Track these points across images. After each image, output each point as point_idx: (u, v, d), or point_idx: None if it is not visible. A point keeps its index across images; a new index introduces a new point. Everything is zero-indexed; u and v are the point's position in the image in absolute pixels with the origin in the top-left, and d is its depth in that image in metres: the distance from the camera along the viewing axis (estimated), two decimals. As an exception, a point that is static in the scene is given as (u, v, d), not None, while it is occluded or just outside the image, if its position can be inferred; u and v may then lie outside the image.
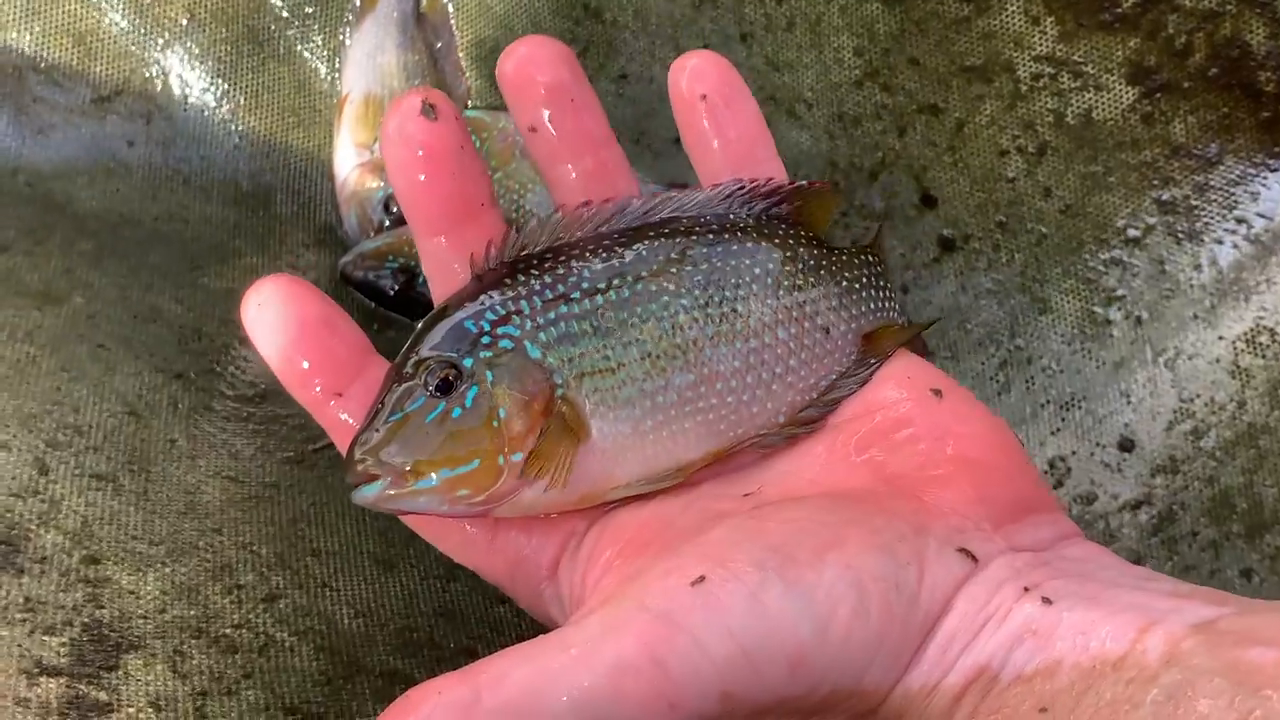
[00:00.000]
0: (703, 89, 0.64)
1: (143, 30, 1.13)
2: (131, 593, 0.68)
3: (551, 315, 0.57)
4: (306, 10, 1.17)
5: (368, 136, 1.15)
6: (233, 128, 1.15)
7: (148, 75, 1.13)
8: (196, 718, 0.62)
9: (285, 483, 0.83)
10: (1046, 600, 0.50)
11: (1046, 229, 1.06)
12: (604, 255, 0.59)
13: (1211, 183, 1.01)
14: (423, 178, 0.59)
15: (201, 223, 1.10)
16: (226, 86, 1.15)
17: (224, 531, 0.76)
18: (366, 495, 0.55)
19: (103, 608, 0.66)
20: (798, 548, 0.51)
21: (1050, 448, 1.04)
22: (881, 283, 0.67)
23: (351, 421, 0.59)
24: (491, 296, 0.57)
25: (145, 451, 0.78)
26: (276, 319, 0.57)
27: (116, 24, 1.12)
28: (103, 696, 0.61)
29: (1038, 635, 0.49)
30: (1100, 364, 1.04)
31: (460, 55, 1.17)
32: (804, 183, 0.65)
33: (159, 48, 1.13)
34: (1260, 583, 0.94)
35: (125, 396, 0.81)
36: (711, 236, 0.61)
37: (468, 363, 0.56)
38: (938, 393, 0.59)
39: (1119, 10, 0.99)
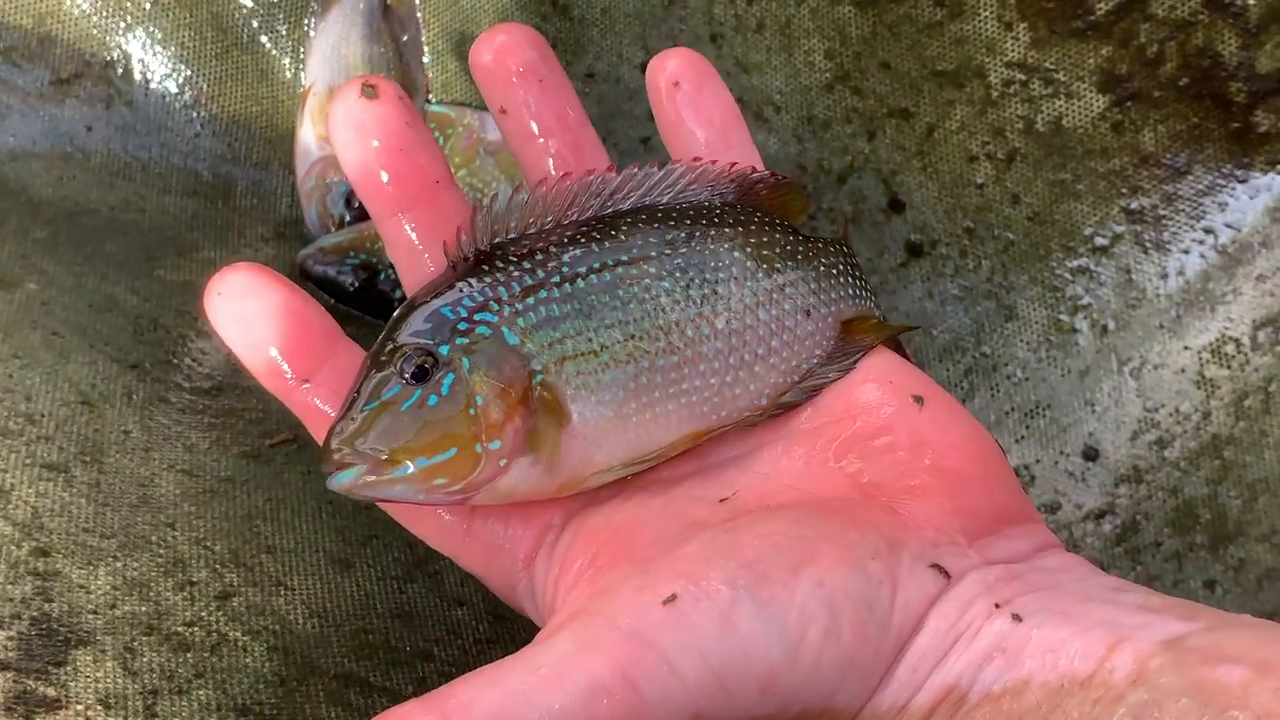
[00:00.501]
0: (676, 77, 0.65)
1: (104, 13, 1.10)
2: (82, 587, 0.66)
3: (531, 300, 0.57)
4: (272, -1, 1.16)
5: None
6: (194, 116, 1.13)
7: (109, 59, 1.11)
8: (147, 716, 0.61)
9: (241, 478, 0.81)
10: (1016, 617, 0.49)
11: (1014, 236, 1.05)
12: (582, 240, 0.59)
13: (1180, 192, 1.01)
14: (371, 156, 0.58)
15: (159, 213, 1.08)
16: (189, 73, 1.13)
17: (177, 526, 0.74)
18: (342, 481, 0.54)
19: (52, 601, 0.64)
20: (771, 565, 0.50)
21: (1014, 456, 1.03)
22: (856, 272, 0.67)
23: (322, 406, 0.58)
24: (469, 284, 0.57)
25: (98, 442, 0.76)
26: (240, 306, 0.57)
27: (78, 5, 1.10)
28: (51, 692, 0.59)
29: (1007, 653, 0.48)
30: (1065, 372, 1.04)
31: (426, 49, 1.16)
32: (770, 173, 0.65)
33: (121, 31, 1.11)
34: (1224, 594, 0.94)
35: (79, 385, 0.79)
36: (689, 221, 0.61)
37: (444, 350, 0.55)
38: (919, 399, 0.59)
39: (1092, 18, 0.98)
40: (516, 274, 0.57)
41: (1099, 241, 1.04)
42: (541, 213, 0.59)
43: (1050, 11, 0.99)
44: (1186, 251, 1.01)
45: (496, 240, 0.58)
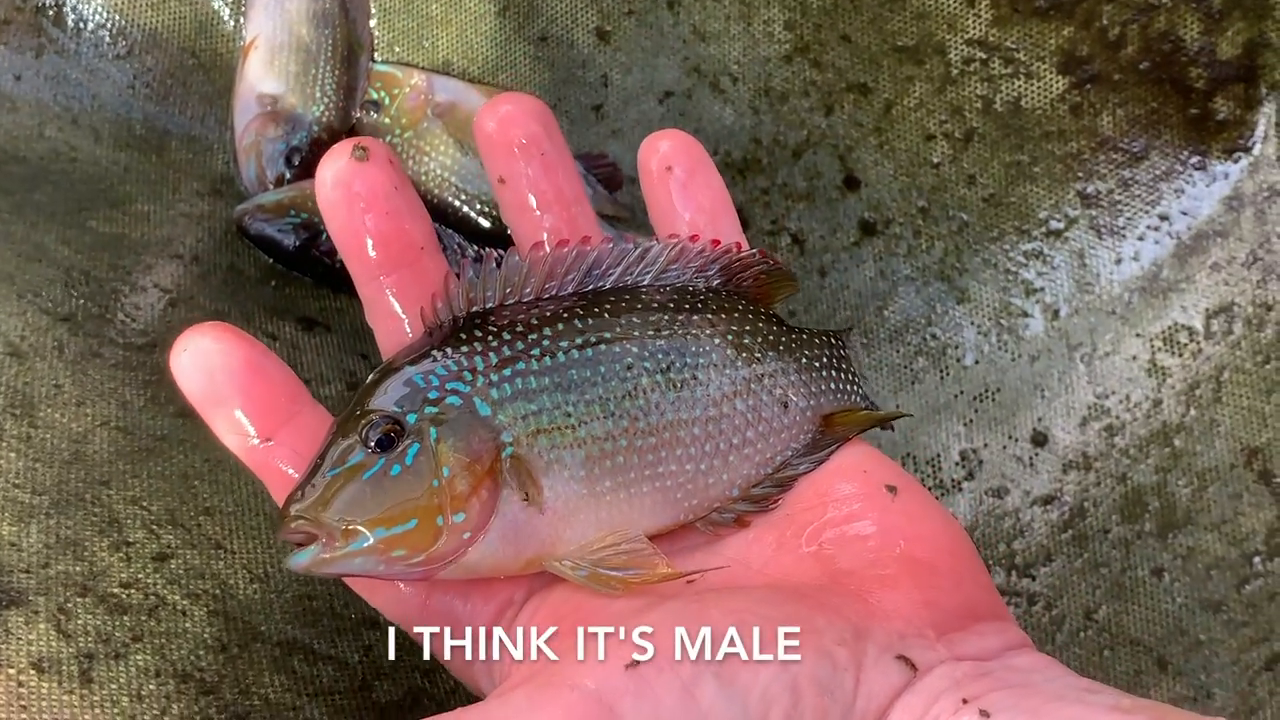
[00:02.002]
0: (669, 162, 0.64)
1: (36, -43, 1.06)
2: (12, 544, 0.63)
3: (507, 372, 0.56)
4: (213, -52, 1.12)
5: (271, 85, 1.09)
6: (128, 67, 1.09)
7: (39, 5, 1.07)
8: (82, 681, 0.58)
9: (177, 436, 0.78)
10: (984, 714, 0.48)
11: (968, 217, 1.05)
12: (565, 315, 0.58)
13: (1136, 178, 1.01)
14: (358, 219, 0.58)
15: (91, 164, 1.04)
16: (123, 23, 1.09)
17: (112, 484, 0.71)
18: (300, 562, 0.52)
19: (-20, 559, 0.61)
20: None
21: (962, 440, 1.02)
22: (844, 365, 0.66)
23: (283, 467, 0.56)
24: (444, 352, 0.56)
25: (29, 395, 0.73)
26: (204, 365, 0.55)
27: (8, -51, 1.05)
28: (-20, 654, 0.56)
29: None
30: (1016, 357, 1.03)
31: (371, 4, 1.13)
32: (758, 253, 0.64)
33: (53, -23, 1.07)
34: (1172, 581, 0.93)
35: (7, 336, 0.76)
36: (673, 305, 0.60)
37: (412, 419, 0.54)
38: (892, 489, 0.58)
39: (1055, -3, 0.98)
40: (495, 344, 0.56)
41: (1054, 225, 1.03)
42: (519, 283, 0.58)
43: (1013, -10, 0.99)
44: (1141, 238, 1.01)
45: (475, 309, 0.58)
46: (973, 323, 1.05)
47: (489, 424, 0.54)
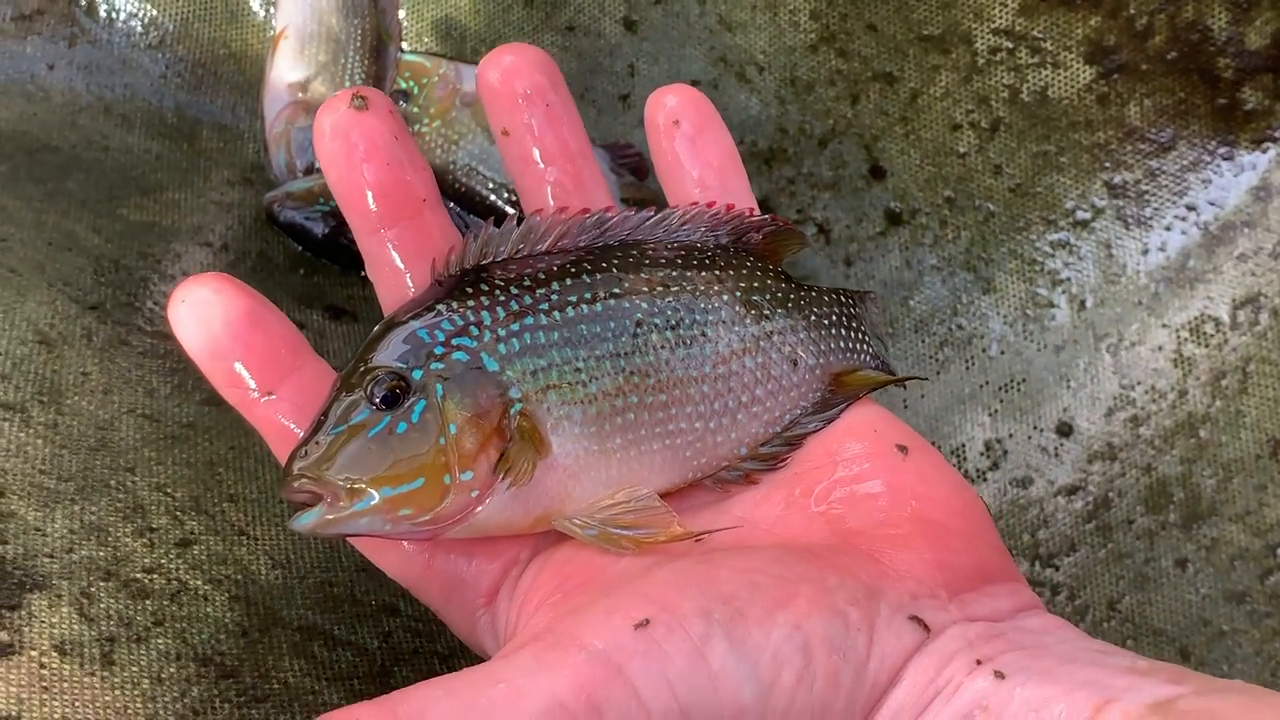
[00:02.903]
0: (676, 116, 0.63)
1: (69, -52, 1.08)
2: (38, 529, 0.64)
3: (515, 326, 0.55)
4: (243, -61, 1.13)
5: (301, 74, 1.10)
6: (160, 56, 1.10)
7: (73, -5, 1.08)
8: (104, 664, 0.59)
9: (203, 424, 0.79)
10: (999, 674, 0.48)
11: (995, 207, 1.04)
12: (573, 270, 0.57)
13: (1164, 168, 1.00)
14: (357, 170, 0.57)
15: (122, 153, 1.05)
16: (155, 13, 1.10)
17: (137, 471, 0.72)
18: (305, 523, 0.52)
19: (6, 543, 0.62)
20: (748, 602, 0.48)
21: (988, 429, 1.02)
22: (855, 324, 0.65)
23: (285, 421, 0.56)
24: (450, 305, 0.55)
25: (56, 383, 0.74)
26: (203, 316, 0.54)
27: (42, -60, 1.07)
28: (4, 637, 0.57)
29: (988, 711, 0.47)
30: (1042, 347, 1.03)
31: (402, -5, 1.14)
32: (769, 216, 0.63)
33: (86, -33, 1.08)
34: (1195, 573, 0.93)
35: (37, 324, 0.77)
36: (680, 261, 0.60)
37: (417, 375, 0.53)
38: (903, 449, 0.58)
39: (1082, -13, 0.98)
40: (502, 298, 0.55)
41: (1080, 215, 1.03)
42: (534, 241, 0.57)
43: (1040, -21, 0.99)
44: (1168, 228, 1.01)
45: (484, 261, 0.57)
46: (999, 313, 1.05)
47: (497, 380, 0.54)
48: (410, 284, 0.58)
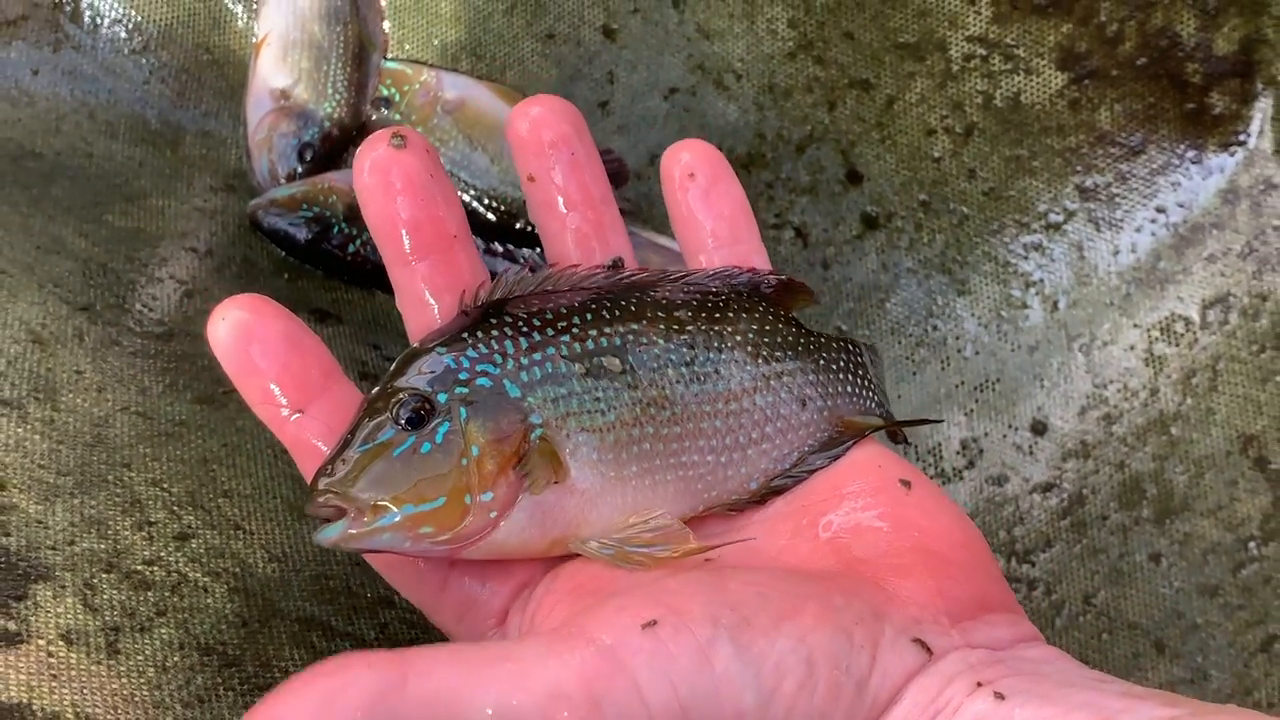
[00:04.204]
0: (691, 170, 0.66)
1: (53, -45, 1.08)
2: (39, 522, 0.65)
3: (538, 356, 0.57)
4: (226, -53, 1.14)
5: (284, 81, 1.11)
6: (143, 62, 1.11)
7: (57, 1, 1.09)
8: (109, 653, 0.60)
9: (195, 422, 0.79)
10: (999, 695, 0.49)
11: (969, 210, 1.06)
12: (593, 307, 0.59)
13: (1134, 171, 1.02)
14: (392, 204, 0.59)
15: (106, 159, 1.06)
16: (138, 19, 1.11)
17: (133, 467, 0.72)
18: (329, 536, 0.53)
19: (9, 535, 0.63)
20: (755, 611, 0.50)
21: (963, 429, 1.04)
22: (861, 372, 0.67)
23: (313, 440, 0.57)
24: (475, 335, 0.57)
25: (51, 381, 0.75)
26: (240, 336, 0.56)
27: (25, -53, 1.08)
28: (12, 626, 0.58)
29: None
30: (1016, 347, 1.05)
31: (384, 3, 1.15)
32: (786, 276, 0.66)
33: (69, -25, 1.09)
34: (1169, 567, 0.95)
35: (29, 324, 0.77)
36: (696, 303, 0.62)
37: (442, 398, 0.55)
38: (906, 484, 0.60)
39: (1053, -6, 1.00)
40: (525, 330, 0.57)
41: (1053, 218, 1.05)
42: (556, 284, 0.60)
43: (1013, -13, 1.01)
44: (1139, 230, 1.03)
45: (509, 296, 0.59)
46: (973, 314, 1.07)
47: (518, 405, 0.56)
48: (437, 315, 0.60)
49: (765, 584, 0.52)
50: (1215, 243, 1.00)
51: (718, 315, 0.62)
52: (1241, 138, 1.00)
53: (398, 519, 0.53)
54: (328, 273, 1.07)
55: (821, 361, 0.65)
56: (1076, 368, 1.03)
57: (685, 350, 0.60)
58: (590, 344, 0.58)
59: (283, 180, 1.09)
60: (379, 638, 0.72)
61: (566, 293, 0.60)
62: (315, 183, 1.07)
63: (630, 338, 0.59)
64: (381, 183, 0.58)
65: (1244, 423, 0.96)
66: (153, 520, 0.69)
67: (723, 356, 0.61)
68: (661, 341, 0.60)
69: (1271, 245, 0.98)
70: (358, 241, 1.06)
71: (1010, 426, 1.04)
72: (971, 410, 1.05)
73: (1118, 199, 1.03)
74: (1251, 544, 0.94)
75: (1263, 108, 0.99)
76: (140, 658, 0.61)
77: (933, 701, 0.49)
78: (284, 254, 1.06)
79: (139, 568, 0.66)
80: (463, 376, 0.55)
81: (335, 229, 1.05)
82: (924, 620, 0.53)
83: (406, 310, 0.61)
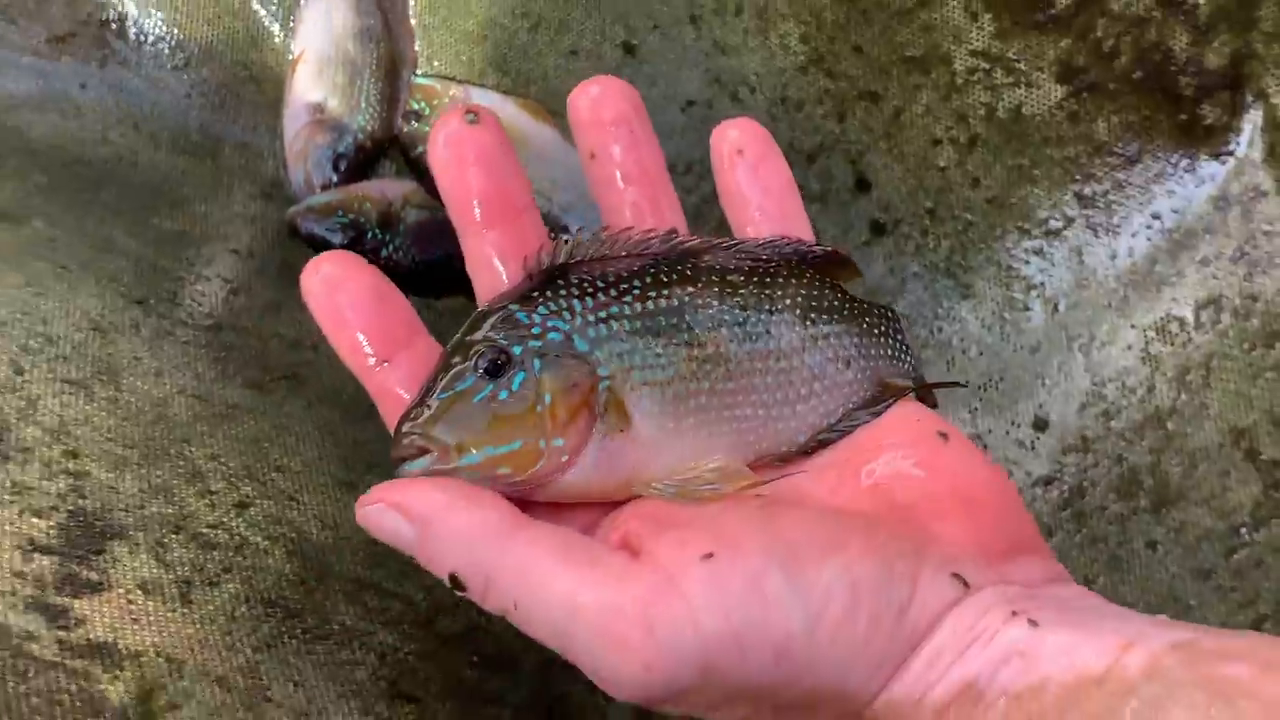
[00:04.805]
0: (740, 146, 0.69)
1: (100, -25, 1.14)
2: (111, 488, 0.69)
3: (603, 314, 0.60)
4: (264, -32, 1.19)
5: (319, 95, 1.17)
6: (184, 78, 1.16)
7: (104, 19, 1.14)
8: (183, 603, 0.64)
9: (246, 405, 0.84)
10: (1033, 623, 0.52)
11: (973, 217, 1.11)
12: (652, 271, 0.63)
13: (1130, 180, 1.07)
14: (466, 176, 0.62)
15: (151, 168, 1.11)
16: (181, 37, 1.16)
17: (192, 442, 0.77)
18: (414, 469, 0.57)
19: (85, 499, 0.67)
20: (804, 544, 0.53)
21: (968, 426, 1.08)
22: (900, 338, 0.71)
23: (397, 389, 0.61)
24: (544, 294, 0.60)
25: (113, 364, 0.79)
26: (333, 289, 0.60)
27: (75, -33, 1.13)
28: (94, 576, 0.62)
29: (1024, 656, 0.51)
30: (1018, 348, 1.10)
31: (414, 22, 1.20)
32: (831, 248, 0.69)
33: (117, -6, 1.15)
34: (1165, 553, 0.99)
35: (90, 314, 0.82)
36: (748, 269, 0.65)
37: (517, 350, 0.58)
38: (943, 436, 0.62)
39: (1052, 11, 1.04)
40: (590, 290, 0.61)
41: (1053, 225, 1.09)
42: (615, 248, 0.63)
43: (1014, 4, 1.05)
44: (1135, 235, 1.07)
45: (573, 259, 0.62)
46: (977, 316, 1.11)
47: (587, 359, 0.59)
48: (505, 279, 0.63)
49: (813, 521, 0.55)
50: (1208, 247, 1.04)
51: (768, 280, 0.65)
52: (1232, 147, 1.05)
53: (478, 459, 0.56)
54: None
55: (864, 325, 0.68)
56: (1076, 367, 1.07)
57: (738, 311, 0.63)
58: (650, 304, 0.61)
59: (318, 189, 1.14)
60: (427, 599, 0.76)
61: (625, 258, 0.63)
62: (349, 191, 1.12)
63: (687, 299, 0.62)
64: (456, 156, 0.61)
65: (1236, 417, 1.00)
66: (213, 490, 0.74)
67: (773, 318, 0.64)
68: (716, 303, 0.63)
69: (1261, 249, 1.02)
70: (390, 247, 1.11)
71: (1013, 423, 1.08)
72: (976, 408, 1.09)
73: (1115, 206, 1.08)
74: (1243, 530, 0.98)
75: (1252, 119, 1.03)
76: (211, 608, 0.65)
77: (970, 629, 0.52)
78: (320, 258, 1.11)
79: (204, 530, 0.70)
80: (535, 331, 0.59)
81: (369, 234, 1.10)
82: (961, 558, 0.56)
83: (476, 275, 0.64)
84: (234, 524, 0.72)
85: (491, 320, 0.60)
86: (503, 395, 0.57)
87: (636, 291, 0.61)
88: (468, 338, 0.59)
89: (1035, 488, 1.05)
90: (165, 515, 0.69)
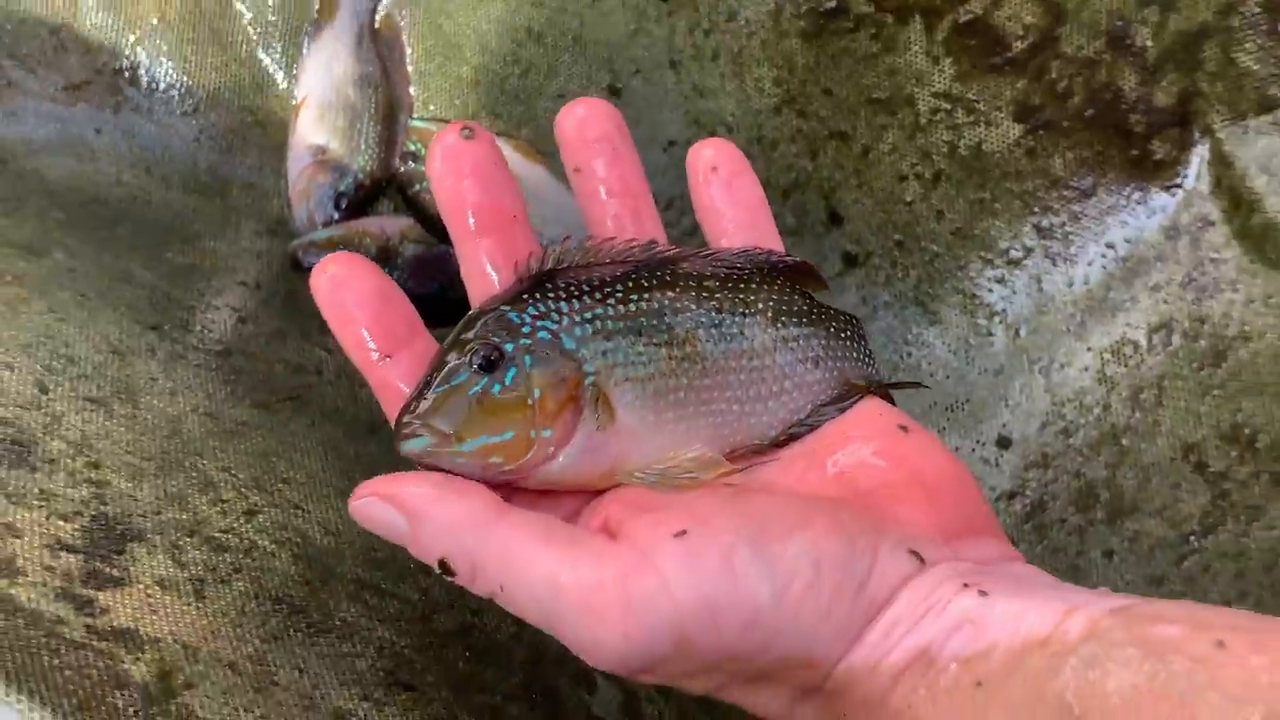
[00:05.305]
0: (714, 164, 0.73)
1: (115, 27, 1.20)
2: (130, 496, 0.74)
3: (589, 315, 0.64)
4: (269, 19, 1.26)
5: (321, 139, 1.23)
6: (193, 123, 1.22)
7: (118, 68, 1.20)
8: (197, 598, 0.69)
9: (255, 423, 0.90)
10: (983, 593, 0.55)
11: (939, 248, 1.16)
12: (634, 276, 0.67)
13: (1085, 212, 1.12)
14: (461, 186, 0.66)
15: (163, 206, 1.17)
16: (190, 84, 1.22)
17: (205, 456, 0.83)
18: (412, 447, 0.61)
19: (106, 505, 0.73)
20: (771, 522, 0.56)
21: (937, 445, 1.13)
22: (863, 342, 0.75)
23: (398, 383, 0.65)
24: (534, 296, 0.64)
25: (130, 385, 0.85)
26: (339, 287, 0.64)
27: (91, 20, 1.19)
28: (115, 573, 0.68)
29: (975, 623, 0.53)
30: (982, 371, 1.15)
31: (410, 69, 1.26)
32: (800, 260, 0.73)
33: (130, 44, 1.21)
34: (1120, 562, 1.04)
35: (108, 339, 0.88)
36: (723, 275, 0.69)
37: (509, 347, 0.62)
38: (904, 429, 0.66)
39: (1009, 55, 1.09)
40: (576, 293, 0.65)
41: (1013, 254, 1.14)
42: (601, 256, 0.67)
43: (972, 48, 1.10)
44: (1090, 264, 1.12)
45: (561, 265, 0.67)
46: (944, 342, 1.16)
47: (574, 356, 0.63)
48: (497, 285, 0.67)
49: (781, 503, 0.59)
50: (1159, 274, 1.09)
51: (741, 286, 0.69)
52: (1181, 180, 1.09)
53: (471, 448, 0.61)
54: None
55: (830, 329, 0.72)
56: (1037, 388, 1.12)
57: (714, 314, 0.67)
58: (633, 307, 0.65)
59: (320, 225, 1.21)
60: (422, 598, 0.82)
61: (609, 264, 0.67)
62: (349, 227, 1.19)
63: (667, 302, 0.66)
64: (452, 168, 0.65)
65: (1186, 432, 1.05)
66: (224, 498, 0.79)
67: (746, 320, 0.68)
68: (693, 306, 0.66)
69: (1209, 275, 1.06)
70: (388, 280, 1.17)
71: (978, 442, 1.13)
72: (944, 428, 1.14)
73: (1071, 236, 1.12)
74: (1192, 538, 1.02)
75: (1200, 153, 1.08)
76: (223, 602, 0.70)
77: (924, 600, 0.56)
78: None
79: (216, 534, 0.75)
80: (526, 330, 0.63)
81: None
82: (918, 536, 0.59)
83: (470, 280, 0.68)
84: (243, 529, 0.78)
85: (485, 320, 0.64)
86: (496, 389, 0.61)
87: (619, 295, 0.66)
88: (463, 336, 0.63)
89: (999, 502, 1.10)
90: (180, 520, 0.75)
